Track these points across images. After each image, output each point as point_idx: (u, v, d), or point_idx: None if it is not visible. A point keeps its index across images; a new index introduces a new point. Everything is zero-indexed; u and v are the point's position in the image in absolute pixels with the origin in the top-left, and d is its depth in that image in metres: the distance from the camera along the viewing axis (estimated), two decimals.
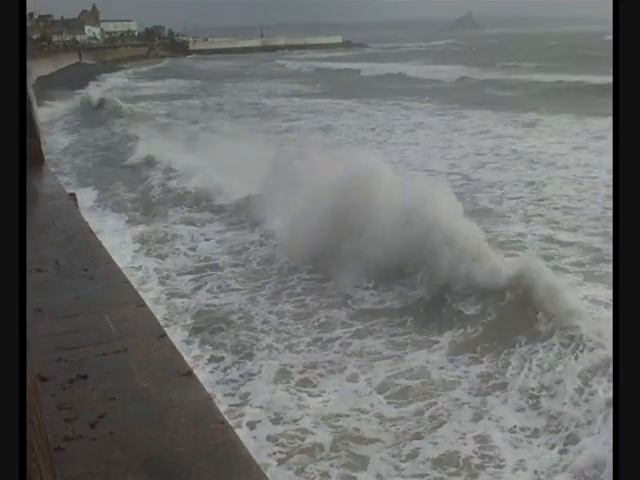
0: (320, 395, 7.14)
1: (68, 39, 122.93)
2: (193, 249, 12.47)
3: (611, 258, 9.48)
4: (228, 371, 7.73)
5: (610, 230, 11.53)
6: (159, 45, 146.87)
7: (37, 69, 53.45)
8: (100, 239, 7.46)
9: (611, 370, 6.47)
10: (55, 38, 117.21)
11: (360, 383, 7.38)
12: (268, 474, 5.55)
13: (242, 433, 5.88)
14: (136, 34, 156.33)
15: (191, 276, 11.03)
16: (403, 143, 24.80)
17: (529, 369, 7.22)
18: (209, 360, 7.99)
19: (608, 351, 6.83)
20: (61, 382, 3.92)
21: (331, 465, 5.94)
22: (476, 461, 5.99)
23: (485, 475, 5.83)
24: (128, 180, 18.73)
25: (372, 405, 6.92)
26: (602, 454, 5.66)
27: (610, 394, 6.25)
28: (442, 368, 7.61)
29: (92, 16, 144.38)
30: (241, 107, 40.99)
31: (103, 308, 5.09)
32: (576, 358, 7.14)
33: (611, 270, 7.07)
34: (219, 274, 11.09)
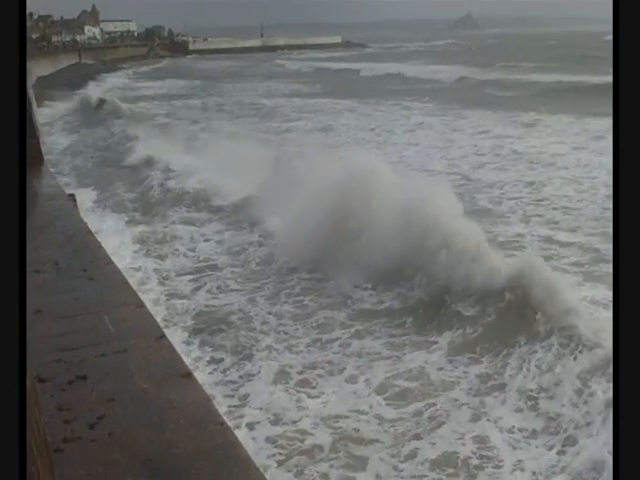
0: (319, 396, 7.14)
1: (68, 39, 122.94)
2: (192, 250, 12.48)
3: (610, 258, 9.49)
4: (227, 372, 7.73)
5: (609, 230, 11.54)
6: (159, 45, 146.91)
7: (37, 69, 53.42)
8: (99, 239, 7.46)
9: (610, 370, 6.47)
10: (55, 38, 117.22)
11: (359, 384, 7.38)
12: (267, 476, 5.56)
13: (241, 434, 5.88)
14: (136, 34, 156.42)
15: (190, 277, 11.04)
16: (403, 143, 24.81)
17: (528, 369, 7.24)
18: (209, 361, 7.98)
19: (607, 351, 6.83)
20: (60, 383, 3.91)
21: (330, 466, 5.94)
22: (475, 462, 5.99)
23: (483, 476, 5.83)
24: (127, 180, 18.72)
25: (371, 406, 6.92)
26: (601, 455, 5.67)
27: (609, 395, 6.26)
28: (441, 369, 7.61)
29: (92, 16, 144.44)
30: (241, 107, 41.00)
31: (102, 309, 5.08)
32: (575, 359, 7.15)
33: (610, 270, 7.07)
34: (218, 275, 11.09)
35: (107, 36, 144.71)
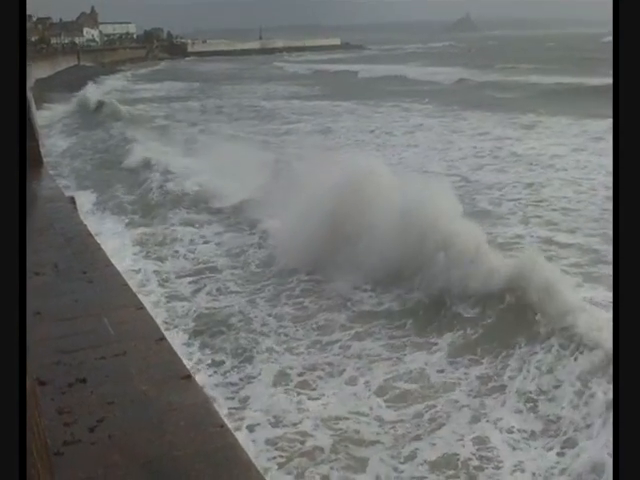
0: (320, 398, 7.13)
1: (67, 41, 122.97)
2: (192, 251, 12.47)
3: (610, 259, 9.49)
4: (228, 374, 7.72)
5: (608, 231, 11.55)
6: (158, 47, 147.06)
7: (35, 72, 53.39)
8: (99, 242, 7.45)
9: (610, 371, 6.47)
10: (53, 40, 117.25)
11: (359, 385, 7.37)
12: (268, 478, 5.56)
13: (242, 436, 5.87)
14: (135, 36, 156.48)
15: (190, 278, 11.03)
16: (402, 145, 24.80)
17: (528, 371, 7.23)
18: (209, 364, 7.98)
19: (607, 352, 6.83)
20: (60, 386, 3.91)
21: (331, 468, 5.93)
22: (474, 463, 5.99)
23: (483, 477, 5.83)
24: (127, 183, 18.70)
25: (371, 407, 6.91)
26: (600, 457, 5.67)
27: (609, 396, 6.26)
28: (441, 370, 7.61)
29: (91, 18, 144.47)
30: (240, 109, 40.98)
31: (102, 311, 5.08)
32: (575, 359, 7.14)
33: (610, 271, 7.06)
34: (218, 277, 11.08)
35: (106, 38, 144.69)
